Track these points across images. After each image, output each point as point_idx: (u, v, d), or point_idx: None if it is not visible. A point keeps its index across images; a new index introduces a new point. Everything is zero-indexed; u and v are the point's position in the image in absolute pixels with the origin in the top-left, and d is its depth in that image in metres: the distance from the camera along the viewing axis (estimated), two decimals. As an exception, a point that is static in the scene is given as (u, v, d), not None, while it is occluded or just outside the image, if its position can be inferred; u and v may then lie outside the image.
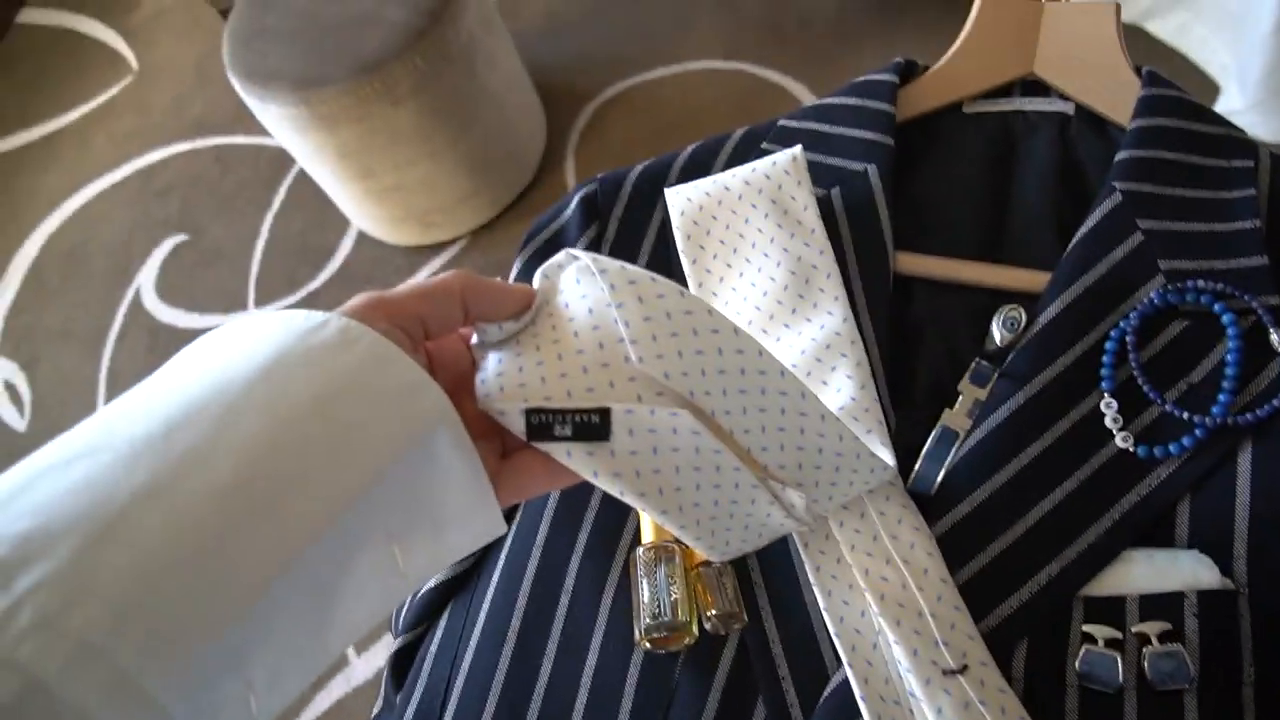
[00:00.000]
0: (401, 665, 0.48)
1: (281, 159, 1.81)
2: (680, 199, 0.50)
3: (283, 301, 1.64)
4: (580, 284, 0.35)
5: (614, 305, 0.33)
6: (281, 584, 0.25)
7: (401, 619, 0.50)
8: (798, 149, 0.49)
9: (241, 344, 0.28)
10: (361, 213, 1.58)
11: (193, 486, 0.24)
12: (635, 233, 0.52)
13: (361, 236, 1.68)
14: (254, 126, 1.83)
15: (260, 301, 1.65)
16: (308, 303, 1.61)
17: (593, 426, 0.32)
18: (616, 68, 1.74)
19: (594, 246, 0.51)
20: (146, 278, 1.73)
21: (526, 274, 0.52)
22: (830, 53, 1.62)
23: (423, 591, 0.48)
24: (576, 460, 0.32)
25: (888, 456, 0.42)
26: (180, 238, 1.78)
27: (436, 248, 1.62)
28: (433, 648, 0.47)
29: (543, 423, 0.32)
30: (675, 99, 1.66)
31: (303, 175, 1.77)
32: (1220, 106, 1.25)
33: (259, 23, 1.38)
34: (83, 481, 0.24)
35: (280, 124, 1.37)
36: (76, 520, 0.23)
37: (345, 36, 1.33)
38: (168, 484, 0.24)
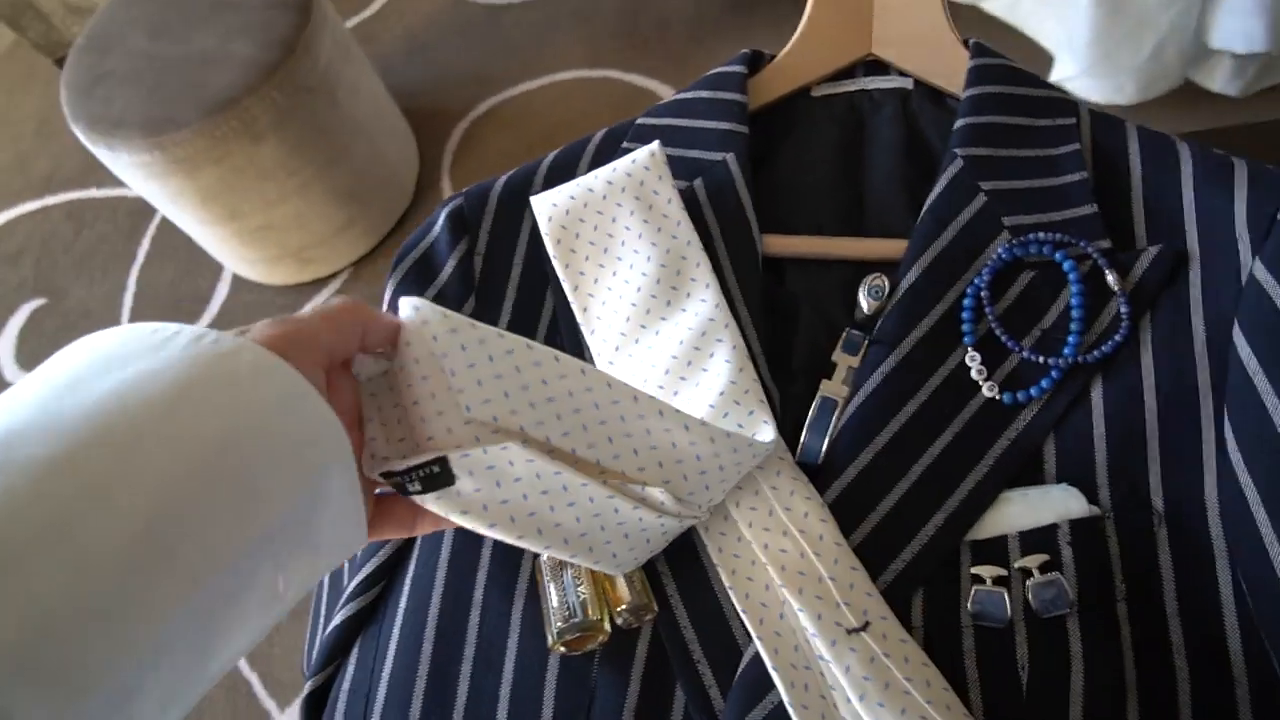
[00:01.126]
0: (316, 707, 0.47)
1: (141, 209, 1.73)
2: (546, 205, 0.50)
3: (159, 356, 1.56)
4: (409, 335, 0.35)
5: (440, 355, 0.34)
6: (174, 623, 0.25)
7: (311, 660, 0.48)
8: (655, 145, 0.50)
9: (147, 360, 0.27)
10: (233, 255, 1.52)
11: (95, 529, 0.23)
12: (506, 243, 0.52)
13: (237, 280, 1.62)
14: (106, 178, 1.74)
15: (134, 359, 1.58)
16: (186, 355, 1.54)
17: (436, 476, 0.34)
18: (483, 85, 1.73)
19: (465, 261, 0.51)
20: (4, 347, 1.63)
21: (399, 297, 0.51)
22: (690, 53, 1.65)
23: (330, 629, 0.47)
24: (436, 507, 0.35)
25: (768, 433, 0.43)
26: (38, 302, 1.68)
27: (317, 284, 1.58)
28: (345, 684, 0.46)
29: (397, 483, 0.35)
30: (545, 111, 1.67)
31: (166, 223, 1.69)
32: (1055, 75, 1.33)
33: (97, 69, 1.32)
34: None
35: (134, 172, 1.31)
36: None
37: (193, 76, 1.28)
38: (69, 524, 0.23)
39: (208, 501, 0.26)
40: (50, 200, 1.82)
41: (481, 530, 0.35)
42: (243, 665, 1.20)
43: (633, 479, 0.38)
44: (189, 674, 0.26)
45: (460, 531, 0.46)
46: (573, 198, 0.50)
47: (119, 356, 0.27)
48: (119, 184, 1.74)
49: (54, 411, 0.25)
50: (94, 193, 1.79)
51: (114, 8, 1.39)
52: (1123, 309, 0.44)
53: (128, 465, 0.24)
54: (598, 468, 0.38)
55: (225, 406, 0.27)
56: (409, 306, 0.36)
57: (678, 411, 0.40)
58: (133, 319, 1.61)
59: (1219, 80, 1.24)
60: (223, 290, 1.62)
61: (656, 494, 0.38)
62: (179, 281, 1.64)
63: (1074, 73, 1.29)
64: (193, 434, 0.26)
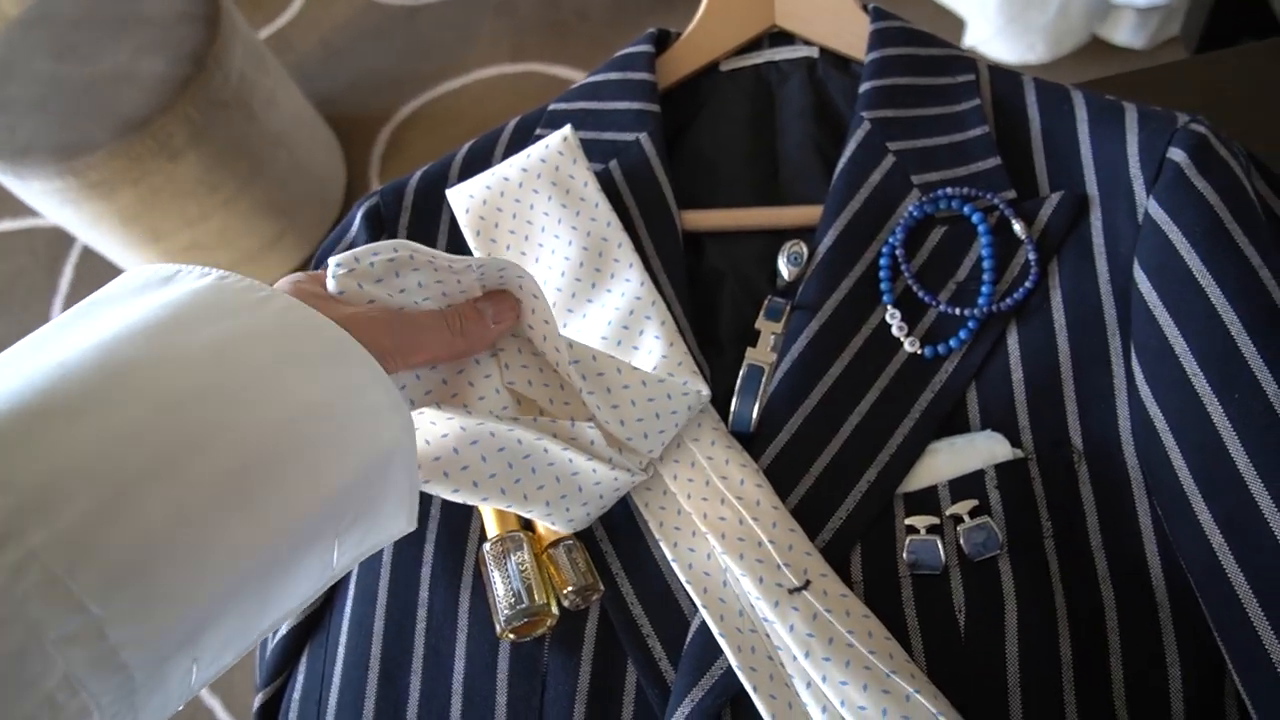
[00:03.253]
0: (269, 718, 0.46)
1: (59, 238, 1.68)
2: (463, 197, 0.50)
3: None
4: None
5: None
6: (245, 569, 0.27)
7: (261, 670, 0.48)
8: (567, 129, 0.50)
9: (246, 317, 0.29)
10: (161, 278, 1.48)
11: (198, 469, 0.25)
12: (425, 238, 0.52)
13: (167, 303, 1.58)
14: (19, 208, 1.69)
15: (66, 392, 1.53)
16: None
17: None
18: (406, 87, 1.71)
19: (385, 259, 0.51)
20: (-73, 392, 1.57)
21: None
22: (611, 40, 1.65)
23: (276, 639, 0.46)
24: None
25: (702, 386, 0.44)
26: (-42, 342, 1.62)
27: (251, 300, 1.55)
28: (296, 694, 0.45)
29: None
30: (471, 109, 1.65)
31: (89, 251, 1.65)
32: (968, 39, 1.36)
33: (0, 96, 1.28)
34: (93, 443, 0.24)
35: (47, 199, 1.27)
36: (85, 484, 0.23)
37: (102, 96, 1.25)
38: (177, 460, 0.25)
39: (291, 461, 0.28)
40: (-40, 236, 1.76)
41: (446, 495, 0.38)
42: (204, 693, 1.18)
43: (555, 414, 0.41)
44: (247, 622, 0.28)
45: None
46: (489, 187, 0.49)
47: (218, 305, 0.29)
48: (32, 213, 1.69)
49: (168, 348, 0.27)
50: (6, 224, 1.73)
51: (12, 32, 1.35)
52: (1031, 256, 0.45)
53: (232, 414, 0.26)
54: (529, 404, 0.41)
55: (312, 378, 0.29)
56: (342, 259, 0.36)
57: (611, 356, 0.42)
58: (61, 351, 1.56)
59: (1124, 33, 1.28)
60: (153, 315, 1.58)
61: (586, 429, 0.40)
62: (106, 309, 1.60)
63: (986, 35, 1.32)
64: (288, 395, 0.28)
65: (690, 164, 0.54)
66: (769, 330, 0.46)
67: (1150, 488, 0.41)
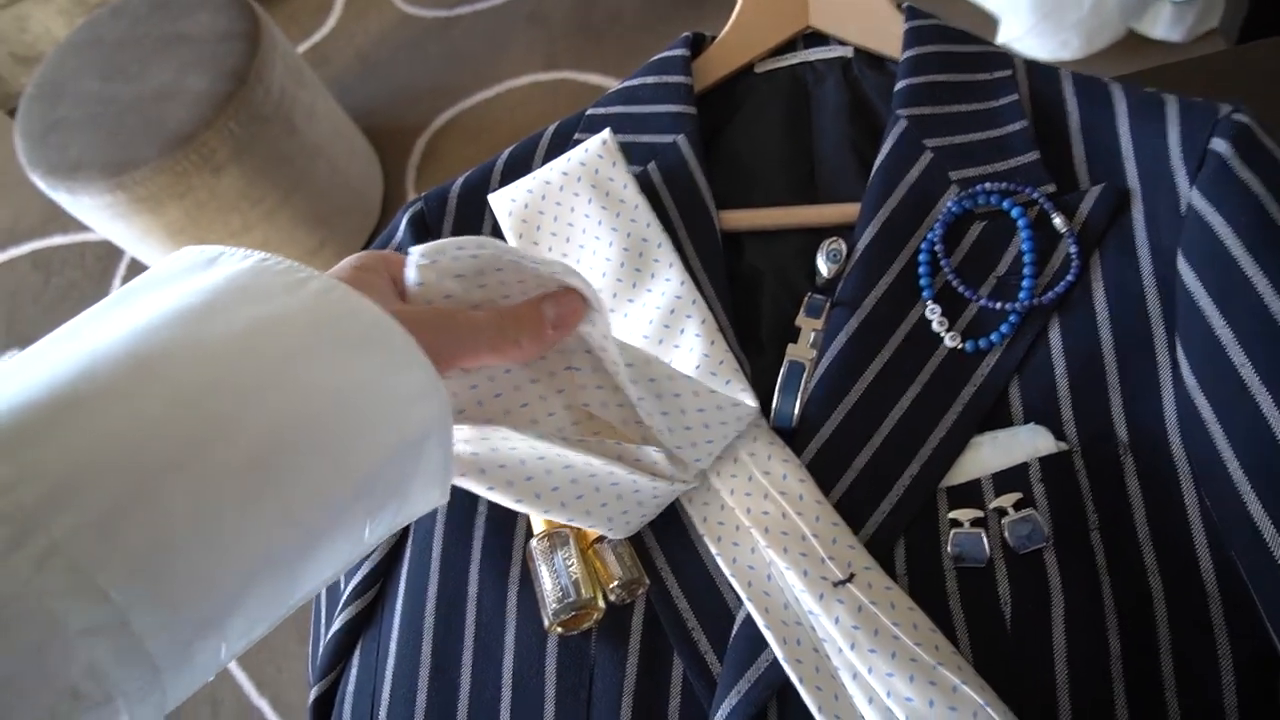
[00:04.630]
0: (322, 713, 0.47)
1: (109, 251, 1.72)
2: (505, 201, 0.51)
3: (140, 397, 1.56)
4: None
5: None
6: (274, 550, 0.27)
7: (315, 666, 0.49)
8: (606, 133, 0.51)
9: (281, 300, 0.29)
10: (206, 289, 1.52)
11: (222, 454, 0.25)
12: (469, 241, 0.53)
13: (211, 314, 1.62)
14: (70, 223, 1.74)
15: (115, 402, 1.57)
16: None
17: None
18: (441, 98, 1.73)
19: (431, 263, 0.52)
20: (-17, 403, 1.62)
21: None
22: (644, 44, 1.67)
23: (330, 635, 0.48)
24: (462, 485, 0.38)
25: (749, 400, 0.44)
26: (11, 354, 1.67)
27: (293, 309, 1.58)
28: (350, 686, 0.46)
29: None
30: (505, 117, 1.67)
31: (137, 264, 1.69)
32: (1001, 37, 1.35)
33: (51, 115, 1.32)
34: (116, 434, 0.24)
35: (98, 214, 1.31)
36: (108, 475, 0.23)
37: (148, 113, 1.28)
38: (201, 446, 0.25)
39: (321, 444, 0.27)
40: (15, 252, 1.81)
41: (480, 492, 0.38)
42: (252, 693, 1.20)
43: (625, 436, 0.40)
44: (277, 598, 0.28)
45: (449, 528, 0.47)
46: (530, 191, 0.50)
47: (254, 289, 0.29)
48: (83, 228, 1.74)
49: (198, 337, 0.27)
50: (58, 239, 1.79)
51: (62, 54, 1.39)
52: (1072, 249, 0.45)
53: (259, 400, 0.26)
54: (594, 422, 0.40)
55: (345, 362, 0.29)
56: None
57: (663, 363, 0.42)
58: (110, 362, 1.60)
59: (1161, 27, 1.26)
60: (198, 325, 1.62)
61: (651, 452, 0.40)
62: (153, 321, 1.64)
63: (1020, 33, 1.31)
64: (317, 382, 0.28)
65: (728, 165, 0.55)
66: (809, 327, 0.46)
67: (1198, 479, 0.40)
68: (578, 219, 0.50)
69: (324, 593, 0.52)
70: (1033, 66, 0.51)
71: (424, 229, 0.53)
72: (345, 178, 1.53)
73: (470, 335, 0.35)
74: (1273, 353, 0.39)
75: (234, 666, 1.23)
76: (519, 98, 1.70)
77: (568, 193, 0.50)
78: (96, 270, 1.72)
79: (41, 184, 1.28)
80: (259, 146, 1.33)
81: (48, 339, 0.27)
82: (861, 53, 0.56)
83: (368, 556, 0.48)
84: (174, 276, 0.29)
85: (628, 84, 0.56)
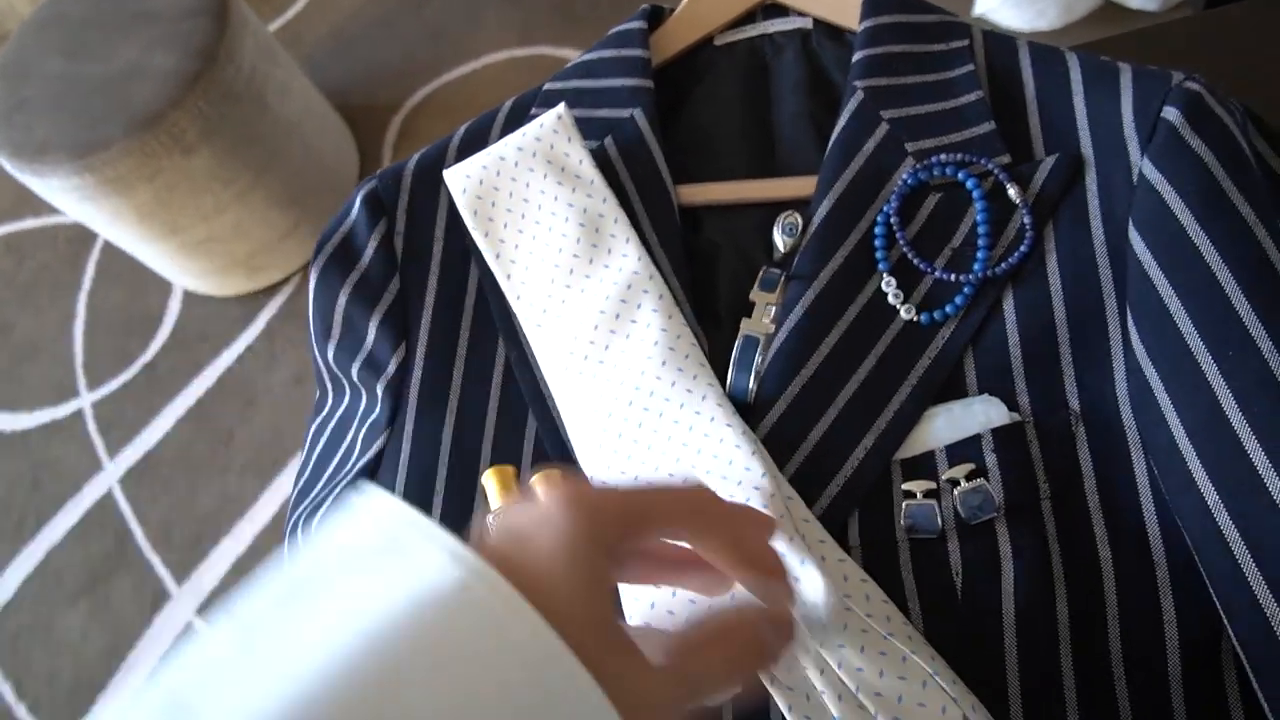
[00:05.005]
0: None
1: (81, 234, 1.71)
2: (459, 178, 0.50)
3: (117, 379, 1.55)
4: None
5: None
6: None
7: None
8: (561, 107, 0.50)
9: (494, 674, 0.23)
10: (181, 271, 1.51)
11: None
12: (425, 220, 0.52)
13: (188, 296, 1.61)
14: (42, 206, 1.72)
15: (92, 385, 1.56)
16: (146, 376, 1.53)
17: None
18: (416, 74, 1.72)
19: (385, 242, 0.51)
20: (-44, 388, 1.61)
21: (323, 287, 0.52)
22: (620, 17, 1.65)
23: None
24: None
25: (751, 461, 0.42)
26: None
27: (270, 290, 1.57)
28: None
29: None
30: (481, 94, 1.66)
31: (110, 246, 1.67)
32: (978, 8, 1.34)
33: (16, 96, 1.30)
34: None
35: (66, 197, 1.29)
36: None
37: (115, 93, 1.26)
38: None
39: None
40: (-13, 235, 1.79)
41: None
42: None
43: None
44: None
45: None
46: (485, 168, 0.50)
47: (462, 635, 0.23)
48: (55, 210, 1.72)
49: (408, 693, 0.22)
50: (30, 223, 1.76)
51: (25, 33, 1.37)
52: (1025, 220, 0.45)
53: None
54: None
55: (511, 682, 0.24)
56: None
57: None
58: (86, 345, 1.59)
59: (1136, -3, 1.26)
60: (174, 307, 1.61)
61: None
62: (129, 303, 1.62)
63: (996, 3, 1.31)
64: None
65: (686, 139, 0.54)
66: (764, 301, 0.46)
67: (1147, 447, 0.41)
68: (533, 195, 0.49)
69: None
70: (990, 37, 0.51)
71: (379, 207, 0.52)
72: (319, 157, 1.51)
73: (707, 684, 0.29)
74: (1220, 321, 0.39)
75: None
76: (495, 73, 1.68)
77: (523, 169, 0.50)
78: (69, 253, 1.70)
79: (8, 166, 1.26)
80: (230, 126, 1.32)
81: (240, 625, 0.24)
82: (821, 24, 0.55)
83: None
84: (363, 560, 0.25)
85: (585, 58, 0.55)
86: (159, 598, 1.36)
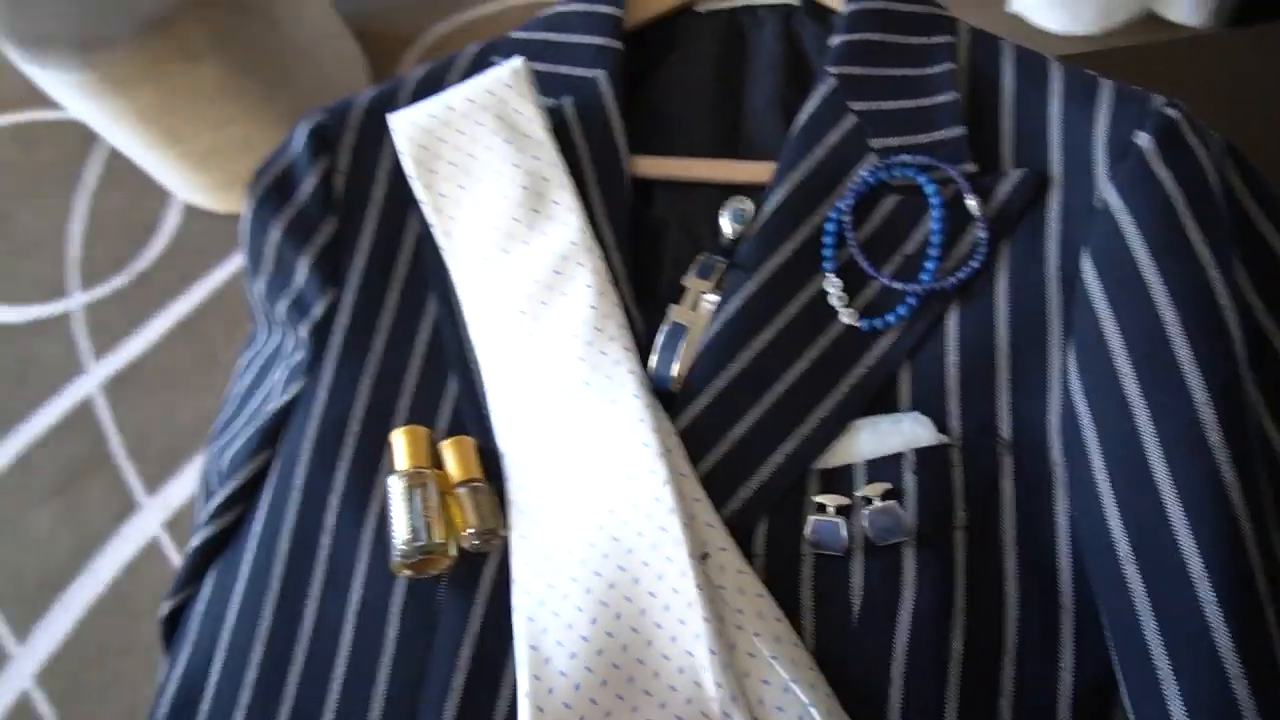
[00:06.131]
0: (171, 630, 0.47)
1: (91, 134, 1.69)
2: (404, 124, 0.48)
3: (110, 284, 1.54)
4: None
5: None
6: None
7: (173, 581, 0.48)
8: (517, 60, 0.48)
9: None
10: (183, 182, 1.49)
11: None
12: (368, 161, 0.50)
13: (190, 210, 1.59)
14: (49, 99, 1.70)
15: (86, 286, 1.56)
16: (138, 284, 1.53)
17: None
18: (437, 7, 1.68)
19: (325, 180, 0.49)
20: (-49, 273, 1.61)
21: (257, 218, 0.50)
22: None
23: (189, 550, 0.47)
24: None
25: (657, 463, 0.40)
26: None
27: (268, 212, 1.55)
28: (199, 606, 0.46)
29: None
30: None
31: (115, 152, 1.66)
32: (1014, 5, 1.29)
33: (24, -16, 1.27)
34: None
35: (68, 92, 1.28)
36: None
37: (123, -10, 1.24)
38: None
39: None
40: (-4, 123, 1.78)
41: None
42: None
43: None
44: None
45: (316, 456, 0.45)
46: (433, 116, 0.48)
47: None
48: (61, 106, 1.70)
49: None
50: (41, 114, 1.75)
51: (42, -81, 1.34)
52: (981, 234, 0.43)
53: None
54: None
55: None
56: None
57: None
58: (83, 246, 1.59)
59: (1178, 9, 1.21)
60: (174, 219, 1.59)
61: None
62: (130, 209, 1.61)
63: (1034, 2, 1.26)
64: None
65: (651, 106, 0.52)
66: (696, 288, 0.44)
67: (1070, 485, 0.39)
68: (479, 151, 0.47)
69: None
70: (977, 35, 0.48)
71: (323, 142, 0.50)
72: (331, 82, 1.48)
73: None
74: (1156, 366, 0.37)
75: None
76: (520, 16, 1.64)
77: (470, 121, 0.47)
78: (76, 150, 1.68)
79: (12, 53, 1.24)
80: (240, 39, 1.29)
81: None
82: (808, 2, 0.52)
83: (234, 473, 0.47)
84: None
85: (557, 9, 0.53)
86: (127, 507, 1.36)
